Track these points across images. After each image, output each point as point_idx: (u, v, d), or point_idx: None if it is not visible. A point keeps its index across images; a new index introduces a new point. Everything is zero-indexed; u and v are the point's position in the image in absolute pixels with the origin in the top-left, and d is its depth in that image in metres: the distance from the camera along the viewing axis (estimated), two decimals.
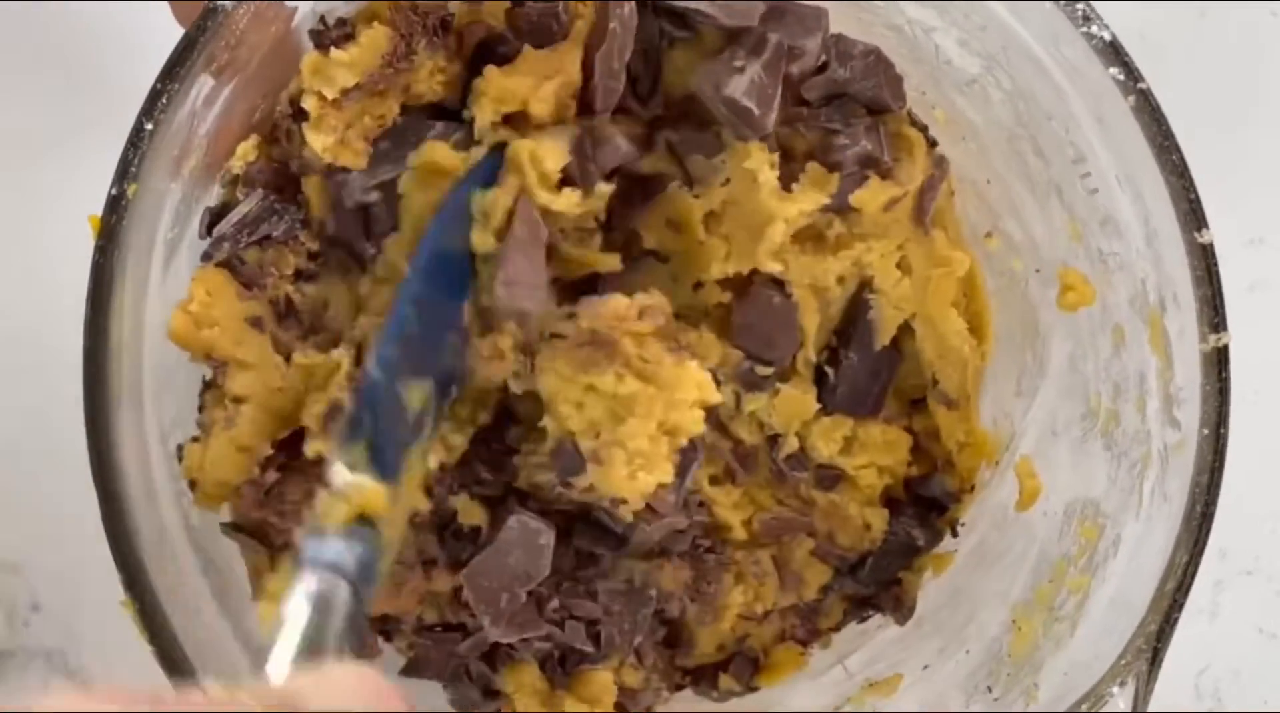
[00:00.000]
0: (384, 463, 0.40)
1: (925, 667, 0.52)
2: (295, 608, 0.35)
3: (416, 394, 0.42)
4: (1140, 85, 0.43)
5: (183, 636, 0.42)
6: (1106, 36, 0.43)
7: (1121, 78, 0.43)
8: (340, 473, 0.39)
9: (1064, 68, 0.45)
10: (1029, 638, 0.48)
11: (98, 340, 0.40)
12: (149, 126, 0.41)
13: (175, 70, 0.41)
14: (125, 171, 0.41)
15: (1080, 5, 0.43)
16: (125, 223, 0.41)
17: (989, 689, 0.49)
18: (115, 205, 0.41)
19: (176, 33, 0.42)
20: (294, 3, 0.44)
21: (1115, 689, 0.43)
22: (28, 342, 0.56)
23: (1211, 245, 0.43)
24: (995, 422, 0.54)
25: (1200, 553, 0.43)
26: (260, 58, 0.45)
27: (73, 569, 0.51)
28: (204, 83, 0.43)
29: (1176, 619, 0.43)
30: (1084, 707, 0.43)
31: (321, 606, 0.36)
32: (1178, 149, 0.43)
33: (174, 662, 0.42)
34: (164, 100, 0.41)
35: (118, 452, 0.41)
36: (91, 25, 0.58)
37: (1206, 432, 0.43)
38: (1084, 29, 0.43)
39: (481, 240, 0.44)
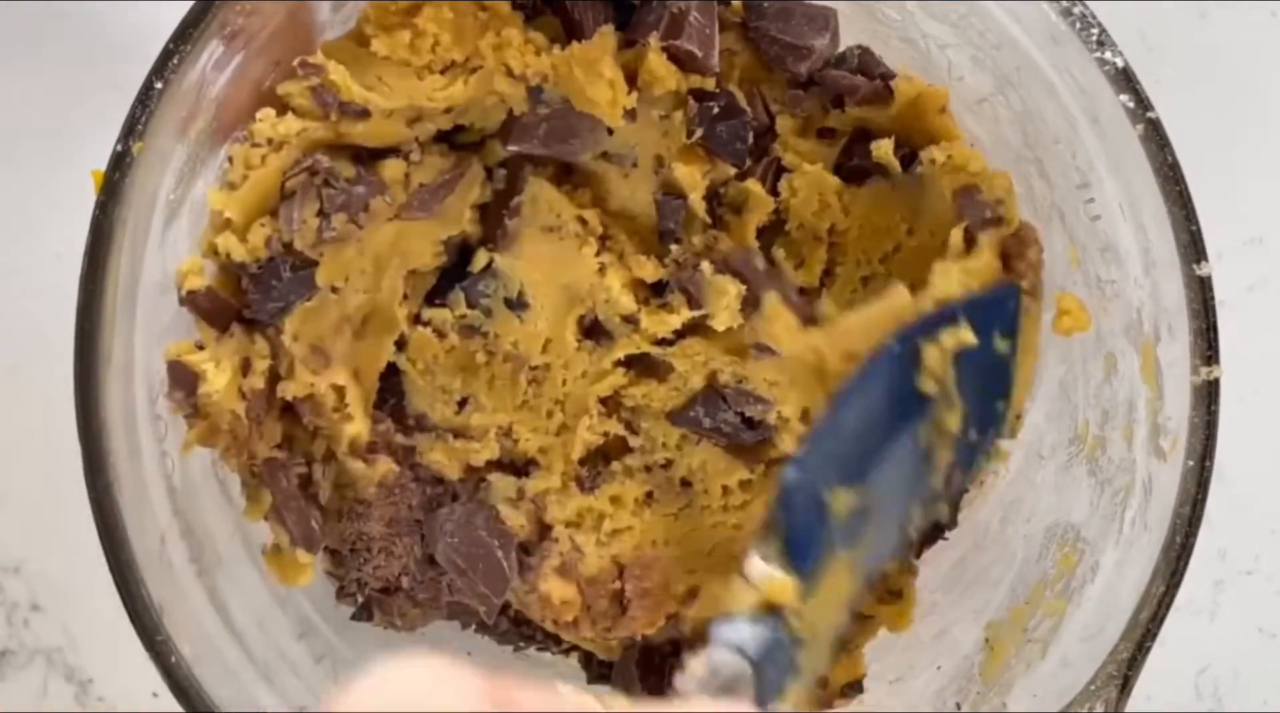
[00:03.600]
0: (802, 563, 0.41)
1: (894, 680, 0.52)
2: (690, 675, 0.37)
3: (842, 500, 0.43)
4: (1150, 114, 0.43)
5: (156, 597, 0.42)
6: (1119, 63, 0.43)
7: (1131, 105, 0.43)
8: (755, 564, 0.40)
9: (1075, 92, 0.45)
10: (1001, 658, 0.49)
11: (93, 295, 0.40)
12: (159, 85, 0.41)
13: (188, 31, 0.41)
14: (132, 129, 0.41)
15: (1095, 30, 0.43)
16: (128, 180, 0.41)
17: (957, 706, 0.49)
18: (120, 162, 0.41)
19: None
20: None
21: None
22: (27, 341, 0.56)
23: (1209, 278, 0.43)
24: None
25: (1177, 585, 0.43)
26: (273, 28, 0.45)
27: (73, 569, 0.51)
28: (215, 47, 0.43)
29: (1149, 648, 0.43)
30: None
31: (713, 677, 0.37)
32: (1182, 180, 0.43)
33: (145, 625, 0.42)
34: (175, 60, 0.41)
35: (104, 408, 0.41)
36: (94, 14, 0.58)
37: (1192, 464, 0.43)
38: (1097, 54, 0.43)
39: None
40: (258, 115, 0.45)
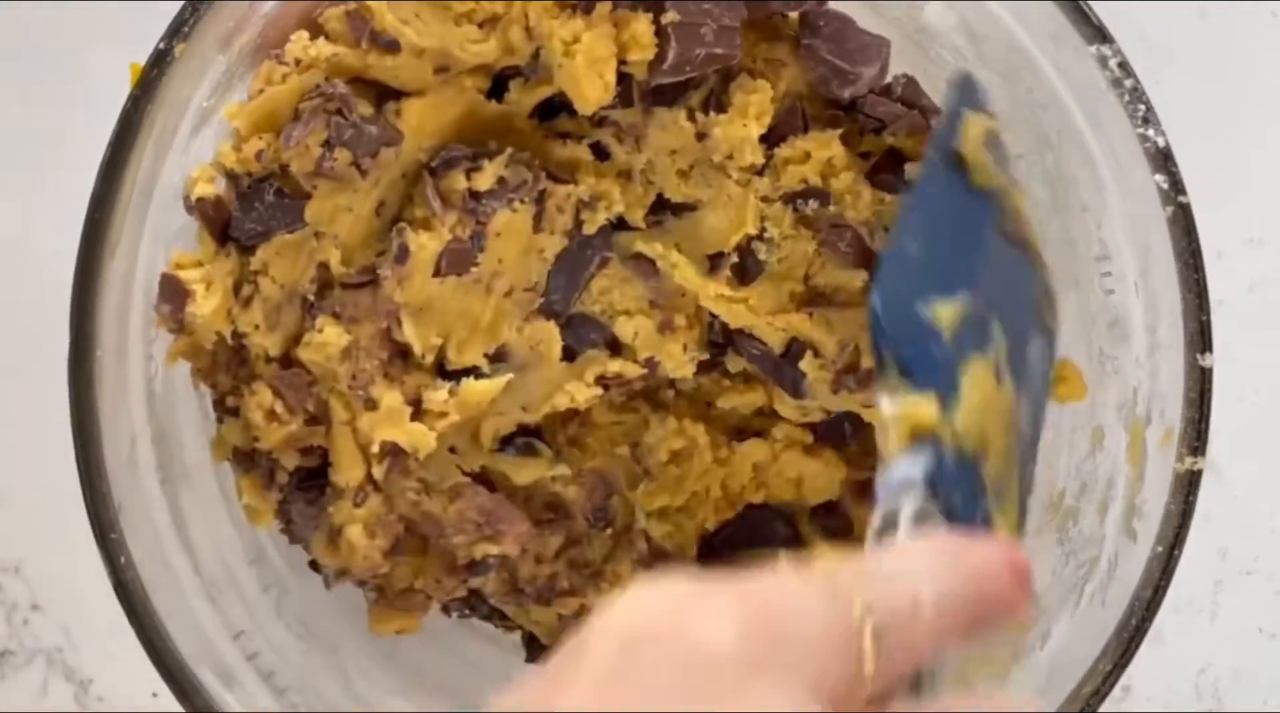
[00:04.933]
0: (931, 379, 0.37)
1: None
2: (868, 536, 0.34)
3: (944, 312, 0.39)
4: (1181, 198, 0.43)
5: (116, 496, 0.42)
6: (1161, 143, 0.43)
7: (1165, 187, 0.43)
8: (884, 407, 0.37)
9: (1111, 164, 0.45)
10: None
11: (110, 186, 0.40)
12: None
13: None
14: (178, 29, 0.41)
15: (1143, 107, 0.43)
16: (165, 79, 0.41)
17: None
18: (160, 60, 0.41)
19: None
20: None
21: None
22: (26, 342, 0.56)
23: (1211, 371, 0.43)
24: None
25: (1124, 666, 0.43)
26: None
27: (73, 569, 0.51)
28: None
29: None
30: None
31: (889, 527, 0.34)
32: (1201, 268, 0.43)
33: (100, 520, 0.42)
34: None
35: (99, 299, 0.41)
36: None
37: (1160, 550, 0.43)
38: (1140, 130, 0.43)
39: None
40: (292, 36, 0.45)
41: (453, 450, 0.50)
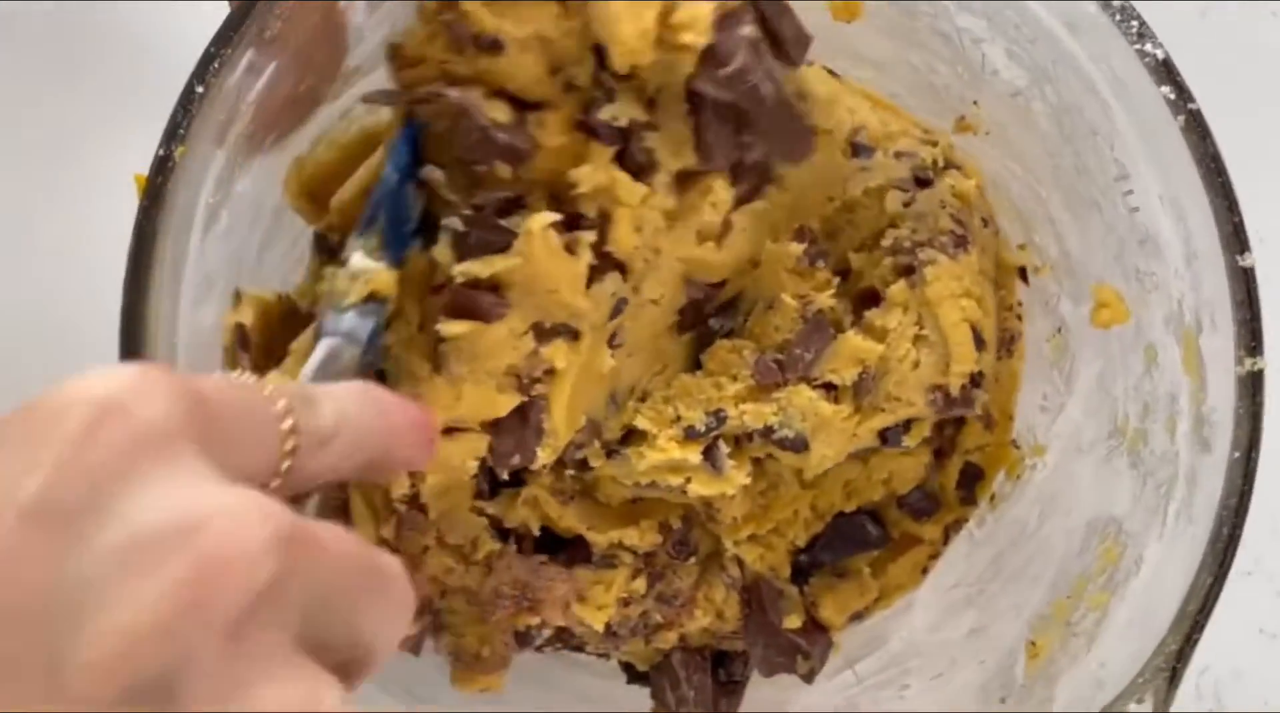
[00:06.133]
0: (393, 252, 0.45)
1: (937, 676, 0.52)
2: (310, 363, 0.41)
3: (416, 205, 0.46)
4: (1191, 105, 0.43)
5: None
6: (1160, 55, 0.43)
7: (1173, 97, 0.43)
8: (358, 258, 0.44)
9: (1113, 84, 0.45)
10: (1045, 652, 0.48)
11: (138, 296, 0.40)
12: (200, 89, 0.41)
13: (228, 35, 0.41)
14: (174, 133, 0.41)
15: (1135, 22, 0.43)
16: (171, 184, 0.41)
17: (1002, 701, 0.49)
18: (162, 166, 0.41)
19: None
20: None
21: (1133, 706, 0.43)
22: (26, 341, 0.56)
23: (1253, 269, 0.43)
24: (1018, 436, 0.54)
25: (1224, 577, 0.43)
26: (308, 32, 0.45)
27: None
28: (253, 53, 0.43)
29: (1197, 640, 0.43)
30: None
31: (332, 362, 0.41)
32: (1224, 170, 0.43)
33: None
34: (215, 64, 0.41)
35: None
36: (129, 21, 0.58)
37: (1238, 455, 0.43)
38: (1137, 46, 0.43)
39: None
40: None
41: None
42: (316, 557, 0.29)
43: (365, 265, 0.44)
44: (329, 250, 0.50)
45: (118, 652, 0.26)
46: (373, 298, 0.43)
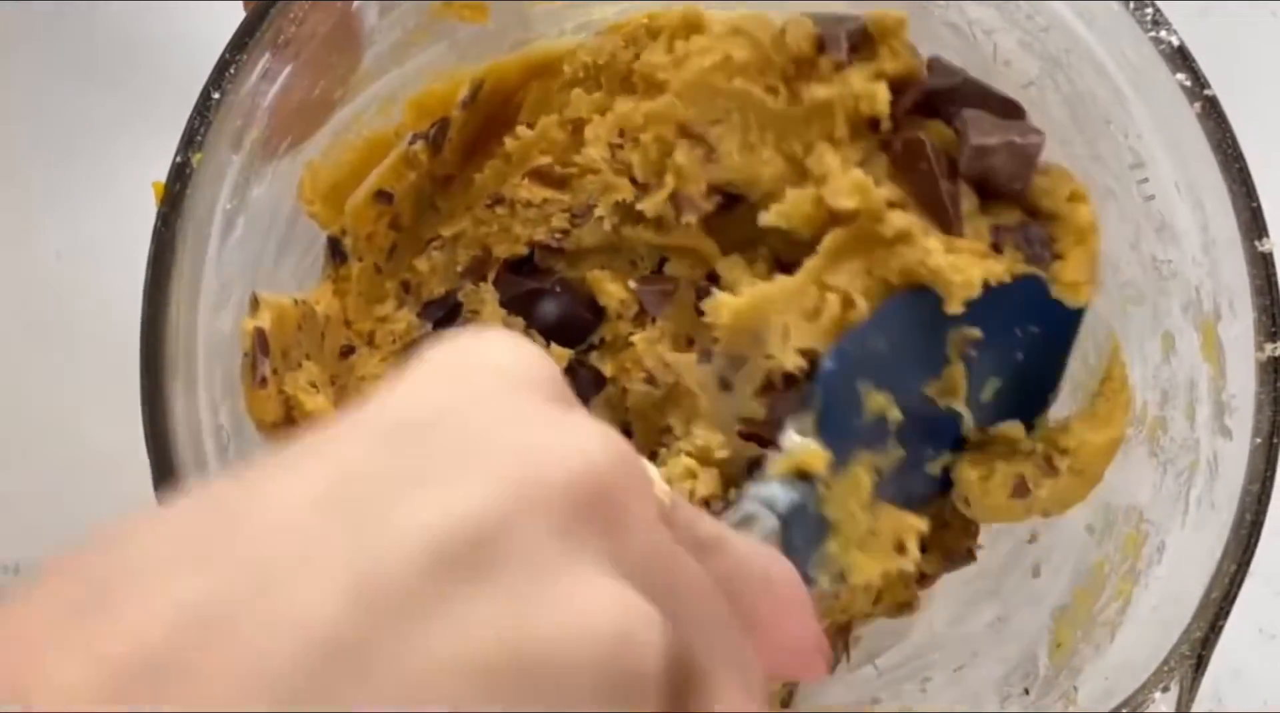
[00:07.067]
0: (833, 444, 0.43)
1: (959, 668, 0.52)
2: (727, 518, 0.38)
3: (875, 401, 0.45)
4: (1207, 92, 0.43)
5: None
6: (1175, 41, 0.43)
7: (1188, 84, 0.43)
8: (789, 436, 0.43)
9: (1127, 71, 0.45)
10: (1068, 642, 0.48)
11: (159, 307, 0.40)
12: (216, 96, 0.41)
13: (243, 41, 0.41)
14: (191, 140, 0.41)
15: (1149, 9, 0.43)
16: (189, 191, 0.41)
17: (1025, 692, 0.49)
18: (180, 173, 0.41)
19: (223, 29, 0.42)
20: None
21: (1158, 694, 0.43)
22: (26, 341, 0.56)
23: (1271, 254, 0.43)
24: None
25: (1249, 561, 0.43)
26: (322, 36, 0.45)
27: None
28: (267, 58, 0.43)
29: (1222, 627, 0.43)
30: (1125, 710, 0.43)
31: (746, 524, 0.39)
32: (1241, 157, 0.43)
33: None
34: (231, 71, 0.41)
35: (171, 421, 0.41)
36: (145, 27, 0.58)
37: (1259, 441, 0.43)
38: (1152, 33, 0.43)
39: None
40: None
41: None
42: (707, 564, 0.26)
43: (794, 441, 0.43)
44: (342, 255, 0.50)
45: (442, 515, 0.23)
46: (800, 474, 0.42)
